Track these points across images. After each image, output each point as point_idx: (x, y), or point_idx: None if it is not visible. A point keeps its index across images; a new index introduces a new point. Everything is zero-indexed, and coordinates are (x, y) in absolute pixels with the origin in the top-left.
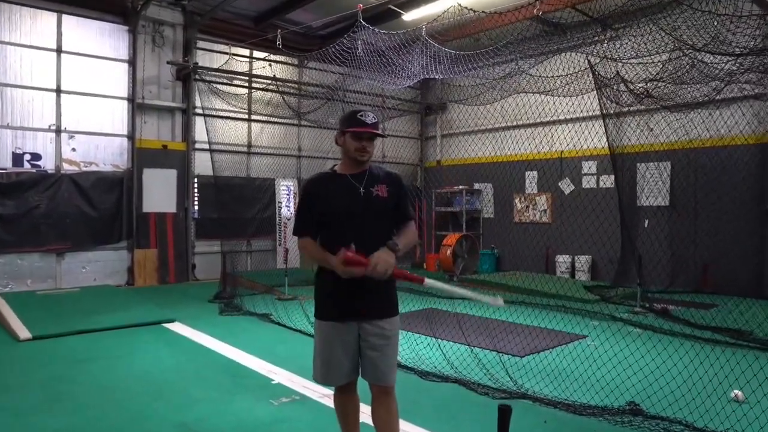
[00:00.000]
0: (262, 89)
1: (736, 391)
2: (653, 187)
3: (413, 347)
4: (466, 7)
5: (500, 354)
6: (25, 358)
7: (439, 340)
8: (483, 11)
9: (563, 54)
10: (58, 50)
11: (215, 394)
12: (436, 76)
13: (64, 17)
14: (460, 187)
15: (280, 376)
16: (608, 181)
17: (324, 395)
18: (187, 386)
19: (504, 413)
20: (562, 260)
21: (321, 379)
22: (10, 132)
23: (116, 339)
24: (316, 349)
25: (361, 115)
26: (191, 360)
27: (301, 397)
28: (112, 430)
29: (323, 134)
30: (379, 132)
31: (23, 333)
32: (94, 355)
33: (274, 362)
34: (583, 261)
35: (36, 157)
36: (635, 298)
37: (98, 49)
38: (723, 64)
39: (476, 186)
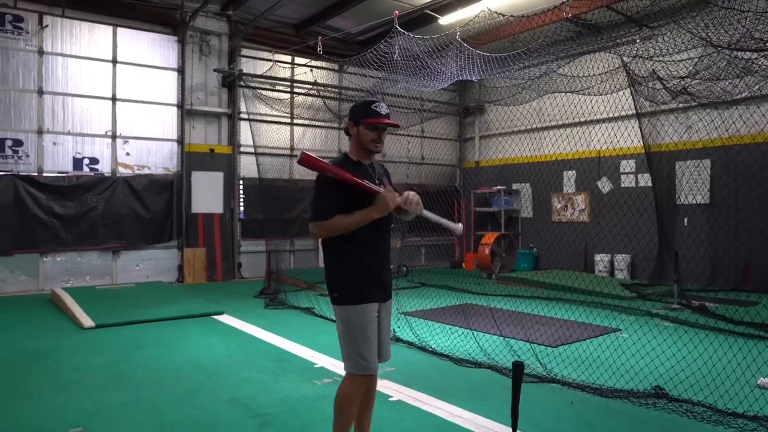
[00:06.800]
0: (304, 94)
1: (763, 378)
2: (693, 185)
3: (449, 337)
4: (495, 12)
5: (532, 344)
6: (89, 344)
7: (474, 332)
8: (512, 15)
9: (597, 53)
10: (114, 61)
11: (263, 376)
12: (472, 78)
13: (119, 30)
14: (499, 187)
15: (322, 361)
16: (648, 179)
17: None
18: (237, 369)
19: (517, 368)
20: (601, 259)
21: (374, 365)
22: (71, 138)
23: (170, 328)
24: (363, 336)
25: (376, 106)
26: (240, 347)
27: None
28: (170, 403)
29: None
30: (395, 123)
31: (87, 322)
32: (150, 342)
33: (317, 349)
34: (622, 259)
35: (94, 161)
36: (673, 296)
37: (150, 59)
38: (762, 59)
39: (514, 186)
